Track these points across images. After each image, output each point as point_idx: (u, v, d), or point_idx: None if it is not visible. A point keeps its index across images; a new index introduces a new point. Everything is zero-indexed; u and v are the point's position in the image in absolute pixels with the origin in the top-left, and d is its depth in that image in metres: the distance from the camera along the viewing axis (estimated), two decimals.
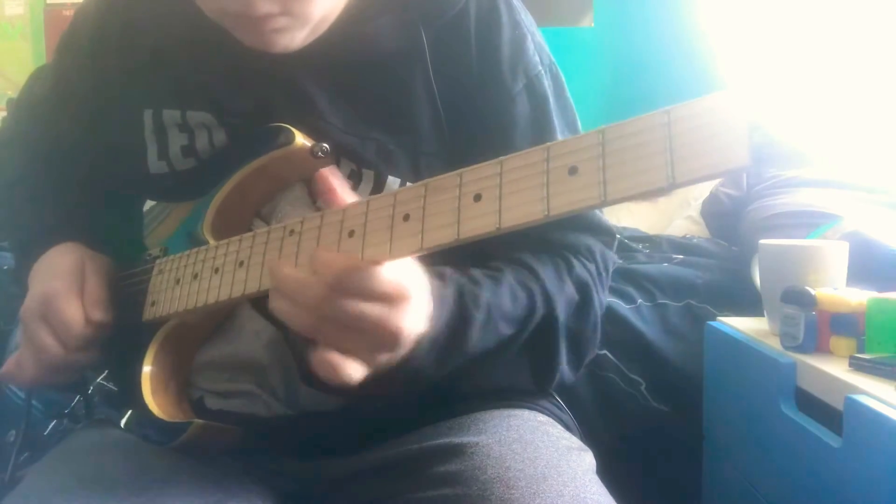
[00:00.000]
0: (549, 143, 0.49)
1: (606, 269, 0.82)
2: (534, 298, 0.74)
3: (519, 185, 0.49)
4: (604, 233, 0.83)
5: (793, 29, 1.98)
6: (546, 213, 0.47)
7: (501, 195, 0.50)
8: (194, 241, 0.78)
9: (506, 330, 0.72)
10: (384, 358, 0.60)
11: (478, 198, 0.51)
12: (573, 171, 0.46)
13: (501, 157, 0.51)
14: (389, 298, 0.57)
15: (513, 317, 0.72)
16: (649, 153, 0.43)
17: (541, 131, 0.80)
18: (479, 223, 0.50)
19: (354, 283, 0.55)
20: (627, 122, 0.45)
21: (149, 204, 0.85)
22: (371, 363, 0.59)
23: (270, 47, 0.72)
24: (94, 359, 0.79)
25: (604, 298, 0.82)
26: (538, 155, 0.49)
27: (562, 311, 0.76)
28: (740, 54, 2.18)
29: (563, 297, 0.76)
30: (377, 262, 0.56)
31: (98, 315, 0.78)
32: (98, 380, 0.84)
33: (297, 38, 0.73)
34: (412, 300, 0.59)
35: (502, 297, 0.72)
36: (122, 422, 0.79)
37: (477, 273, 0.72)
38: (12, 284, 0.89)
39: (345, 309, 0.56)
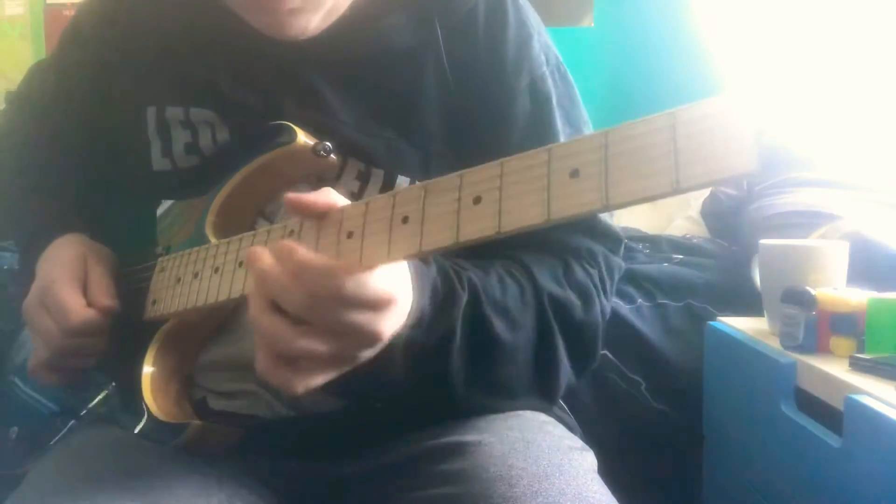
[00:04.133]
0: (550, 145, 0.47)
1: (611, 275, 0.81)
2: (524, 291, 0.73)
3: (519, 188, 0.48)
4: (609, 238, 0.81)
5: (792, 27, 1.98)
6: (547, 217, 0.46)
7: (501, 198, 0.49)
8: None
9: (493, 317, 0.70)
10: (363, 356, 0.59)
11: (478, 200, 0.50)
12: (575, 173, 0.45)
13: (502, 159, 0.50)
14: (377, 305, 0.56)
15: (501, 305, 0.71)
16: (653, 157, 0.42)
17: (541, 131, 0.79)
18: (479, 226, 0.50)
19: (343, 292, 0.53)
20: (631, 125, 0.44)
21: (164, 206, 0.84)
22: (348, 364, 0.58)
23: (286, 30, 0.72)
24: (102, 345, 0.79)
25: (607, 305, 0.80)
26: (540, 157, 0.48)
27: (553, 311, 0.74)
28: (740, 54, 2.18)
29: (558, 298, 0.75)
30: (369, 268, 0.54)
31: (104, 301, 0.77)
32: (113, 384, 0.83)
33: (311, 21, 0.73)
34: (398, 303, 0.58)
35: (490, 285, 0.71)
36: (137, 429, 0.78)
37: (463, 262, 0.71)
38: (12, 284, 0.88)
39: (330, 317, 0.54)
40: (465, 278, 0.70)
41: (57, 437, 0.84)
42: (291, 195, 0.58)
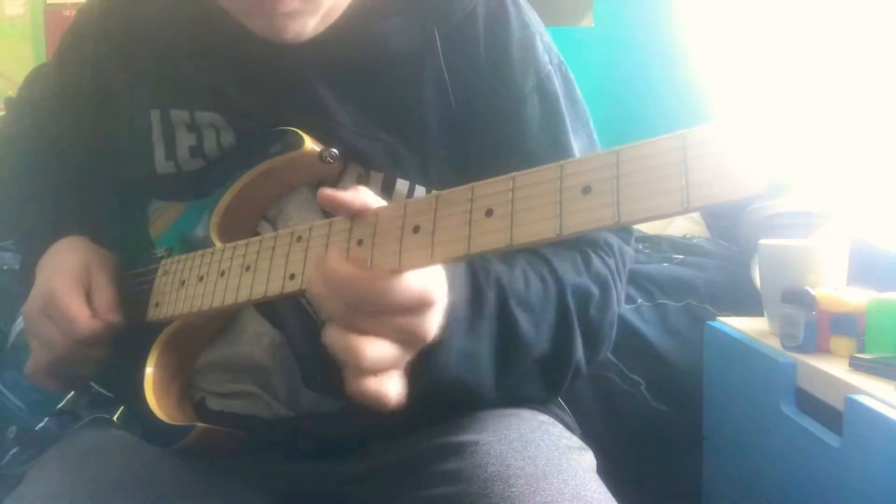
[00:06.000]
0: (562, 161, 0.48)
1: (624, 265, 0.81)
2: (547, 287, 0.73)
3: (531, 203, 0.49)
4: (622, 228, 0.82)
5: (789, 30, 1.98)
6: (558, 231, 0.47)
7: (513, 211, 0.49)
8: (186, 241, 0.78)
9: (518, 313, 0.70)
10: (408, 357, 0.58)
11: (489, 213, 0.50)
12: (587, 190, 0.46)
13: (514, 173, 0.50)
14: (417, 308, 0.55)
15: (525, 301, 0.71)
16: (664, 176, 0.43)
17: (554, 131, 0.79)
18: (491, 238, 0.50)
19: (373, 302, 0.53)
20: (642, 144, 0.45)
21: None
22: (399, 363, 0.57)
23: (282, 33, 0.72)
24: (106, 354, 0.79)
25: (622, 294, 0.81)
26: (552, 172, 0.48)
27: (575, 304, 0.74)
28: (739, 55, 2.18)
29: (580, 290, 0.75)
30: (396, 273, 0.53)
31: (111, 316, 0.78)
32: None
33: (308, 24, 0.73)
34: (437, 303, 0.57)
35: (515, 280, 0.71)
36: (116, 416, 0.79)
37: (489, 256, 0.71)
38: (12, 284, 0.88)
39: (372, 323, 0.54)
40: (493, 275, 0.69)
41: (39, 428, 0.85)
42: (327, 191, 0.57)
